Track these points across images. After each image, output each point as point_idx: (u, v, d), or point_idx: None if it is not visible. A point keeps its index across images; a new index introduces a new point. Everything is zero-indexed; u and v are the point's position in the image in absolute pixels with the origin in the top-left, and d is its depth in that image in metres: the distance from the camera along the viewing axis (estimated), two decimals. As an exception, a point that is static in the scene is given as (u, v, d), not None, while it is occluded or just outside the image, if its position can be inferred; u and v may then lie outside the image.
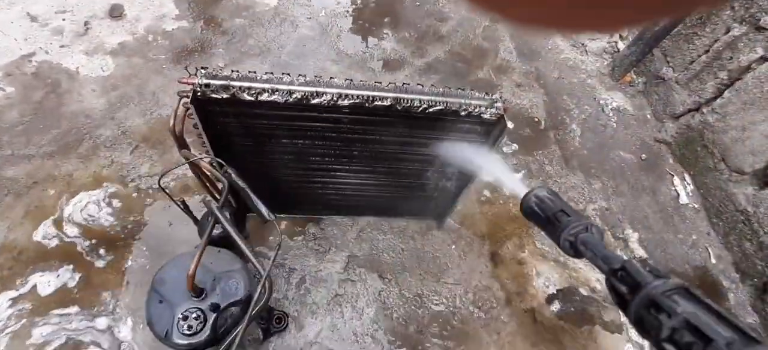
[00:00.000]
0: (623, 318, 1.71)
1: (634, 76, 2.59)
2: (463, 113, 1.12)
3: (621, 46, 2.63)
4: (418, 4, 2.66)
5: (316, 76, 1.10)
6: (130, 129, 1.84)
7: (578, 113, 2.38)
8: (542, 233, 1.83)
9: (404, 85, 1.13)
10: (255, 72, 1.09)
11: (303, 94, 1.06)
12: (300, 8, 2.46)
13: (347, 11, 2.52)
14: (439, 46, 2.49)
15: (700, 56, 2.18)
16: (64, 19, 2.11)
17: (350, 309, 1.57)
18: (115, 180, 1.68)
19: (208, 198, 0.96)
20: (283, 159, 1.33)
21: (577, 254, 0.79)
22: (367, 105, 1.09)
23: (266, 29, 2.32)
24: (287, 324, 1.51)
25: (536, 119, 2.28)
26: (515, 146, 2.13)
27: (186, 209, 1.18)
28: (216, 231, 1.09)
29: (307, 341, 1.48)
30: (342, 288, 1.61)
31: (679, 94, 2.30)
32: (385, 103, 1.09)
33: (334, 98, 1.07)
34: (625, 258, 0.69)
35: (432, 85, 1.14)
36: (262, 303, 0.88)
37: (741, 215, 1.93)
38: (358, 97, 1.08)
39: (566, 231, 0.80)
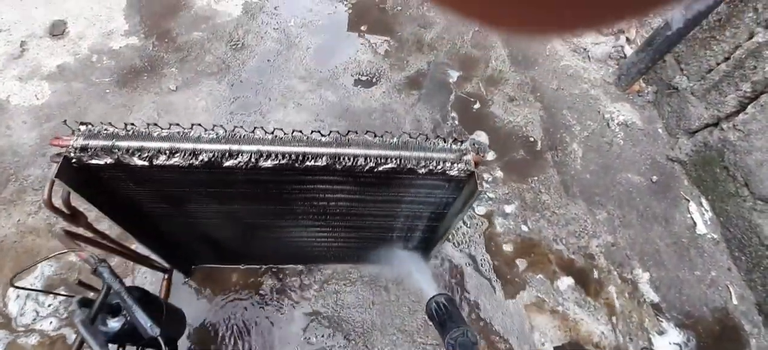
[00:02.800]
0: (631, 383, 1.46)
1: (644, 85, 2.31)
2: (422, 171, 0.88)
3: (628, 51, 2.35)
4: (399, 8, 2.39)
5: (234, 127, 0.86)
6: (63, 167, 1.61)
7: (580, 130, 2.11)
8: (537, 278, 1.58)
9: (347, 136, 0.88)
10: (156, 124, 0.85)
11: (212, 154, 0.82)
12: (266, 17, 2.21)
13: (319, 20, 2.26)
14: (421, 57, 2.22)
15: (718, 64, 1.90)
16: (-3, 40, 1.89)
17: (310, 379, 1.34)
18: (42, 233, 1.46)
19: (73, 306, 0.73)
20: (213, 220, 1.09)
21: None
22: (297, 165, 0.84)
23: (227, 44, 2.08)
24: (233, 403, 1.29)
25: (532, 139, 2.02)
26: (500, 173, 1.86)
27: (86, 287, 0.96)
28: (117, 326, 0.86)
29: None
30: (301, 352, 1.38)
31: (696, 107, 2.02)
32: (319, 163, 0.84)
33: (253, 159, 0.83)
34: None
35: (389, 133, 0.89)
36: None
37: (767, 250, 1.66)
38: (283, 155, 0.83)
39: (449, 335, 1.00)
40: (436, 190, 0.97)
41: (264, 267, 1.50)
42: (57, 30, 1.96)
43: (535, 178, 1.88)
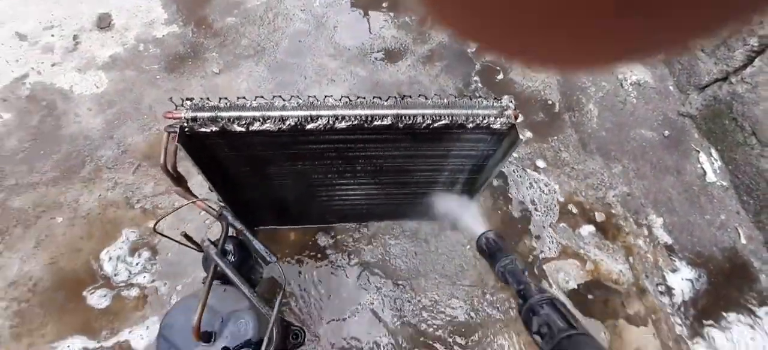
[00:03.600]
0: (646, 310, 1.65)
1: (655, 44, 2.41)
2: (470, 125, 1.04)
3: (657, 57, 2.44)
4: (418, -17, 2.49)
5: (310, 97, 1.02)
6: (130, 147, 1.80)
7: (595, 91, 2.24)
8: (560, 226, 1.75)
9: (405, 99, 1.04)
10: (245, 97, 1.02)
11: (297, 119, 0.99)
12: (292, 0, 2.33)
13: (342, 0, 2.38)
14: (442, 30, 2.34)
15: (729, 20, 1.99)
16: (52, 35, 2.05)
17: (367, 318, 1.55)
18: (121, 205, 1.66)
19: (207, 242, 0.91)
20: (284, 180, 1.27)
21: (505, 280, 1.17)
22: (365, 125, 1.01)
23: (259, 27, 2.22)
24: (304, 340, 1.50)
25: (550, 102, 2.16)
26: (529, 134, 2.02)
27: (189, 240, 1.15)
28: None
29: (324, 355, 1.47)
30: (357, 297, 1.59)
31: (705, 63, 2.13)
32: (385, 122, 1.01)
33: (331, 121, 1.00)
34: (528, 282, 1.07)
35: (435, 95, 1.05)
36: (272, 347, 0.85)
37: (774, 192, 1.81)
38: (355, 117, 1.00)
39: (499, 264, 1.18)
40: (479, 144, 1.13)
41: (318, 227, 1.69)
42: (104, 23, 2.11)
43: (555, 138, 2.03)
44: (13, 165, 1.71)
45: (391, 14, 2.36)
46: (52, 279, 1.52)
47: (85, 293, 1.46)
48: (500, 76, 2.20)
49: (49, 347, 1.39)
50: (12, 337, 1.40)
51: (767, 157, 1.86)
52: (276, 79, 2.05)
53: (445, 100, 1.04)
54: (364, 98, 1.02)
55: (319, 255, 1.64)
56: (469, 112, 1.03)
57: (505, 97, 1.07)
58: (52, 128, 1.81)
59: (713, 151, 2.10)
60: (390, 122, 1.01)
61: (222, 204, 0.99)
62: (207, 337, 0.91)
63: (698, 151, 2.11)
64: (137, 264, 1.52)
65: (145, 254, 1.54)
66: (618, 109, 2.20)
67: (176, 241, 0.93)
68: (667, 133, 2.16)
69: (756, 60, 1.89)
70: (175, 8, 2.22)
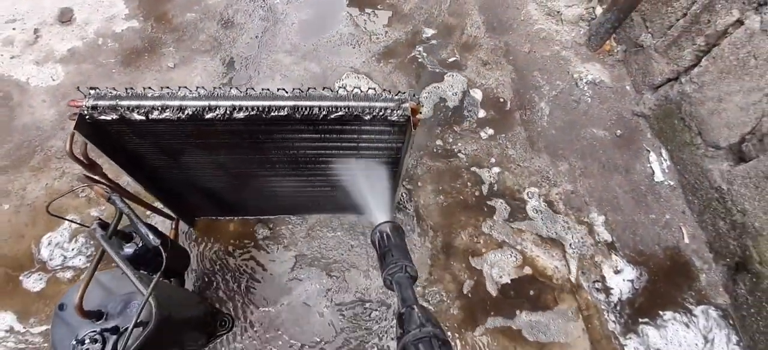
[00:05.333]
0: (579, 306, 1.67)
1: (615, 45, 2.42)
2: (367, 117, 1.06)
3: (599, 11, 2.44)
4: (380, -19, 2.52)
5: (214, 88, 1.06)
6: (80, 138, 1.84)
7: (549, 90, 2.25)
8: (498, 222, 1.77)
9: (308, 91, 1.07)
10: (151, 87, 1.05)
11: (195, 109, 1.02)
12: (254, -3, 2.37)
13: (303, -4, 2.41)
14: (400, 27, 2.37)
15: (678, 20, 2.00)
16: (14, 29, 2.11)
17: (299, 307, 1.58)
18: (67, 195, 1.70)
19: (95, 224, 0.95)
20: (205, 170, 1.31)
21: (392, 288, 0.97)
22: (264, 115, 1.04)
23: (218, 23, 2.26)
24: (232, 326, 1.53)
25: (502, 99, 2.17)
26: (482, 135, 2.03)
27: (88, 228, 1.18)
28: (129, 251, 1.09)
29: (253, 342, 1.50)
30: (290, 287, 1.62)
31: (658, 63, 2.13)
32: (282, 113, 1.04)
33: (228, 111, 1.03)
34: (411, 304, 0.85)
35: (344, 88, 1.07)
36: (150, 327, 0.88)
37: (715, 192, 1.82)
38: (252, 108, 1.03)
39: (386, 270, 0.98)
40: (383, 135, 1.16)
41: (257, 219, 1.72)
42: (65, 17, 2.16)
43: (503, 135, 2.05)
44: (-35, 153, 1.77)
45: (351, 11, 2.39)
46: (-5, 263, 1.57)
47: (21, 277, 1.51)
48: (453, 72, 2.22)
49: (-17, 328, 1.44)
50: (-52, 318, 1.45)
51: (711, 157, 1.86)
52: (229, 74, 2.09)
53: (345, 93, 1.07)
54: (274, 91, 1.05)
55: (255, 246, 1.67)
56: (367, 104, 1.06)
57: (409, 91, 1.09)
58: (6, 119, 1.86)
59: (663, 151, 2.11)
60: (287, 113, 1.04)
61: (114, 190, 1.03)
62: (96, 316, 0.95)
63: (649, 151, 2.12)
64: (73, 249, 1.57)
65: (82, 240, 1.58)
66: (571, 108, 2.21)
67: (70, 221, 0.97)
68: (619, 132, 2.16)
69: (703, 60, 1.90)
70: (137, 3, 2.27)
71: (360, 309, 1.59)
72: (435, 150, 1.97)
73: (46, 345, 1.42)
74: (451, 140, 2.00)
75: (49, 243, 1.58)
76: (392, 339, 1.54)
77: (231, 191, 1.48)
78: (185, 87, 1.07)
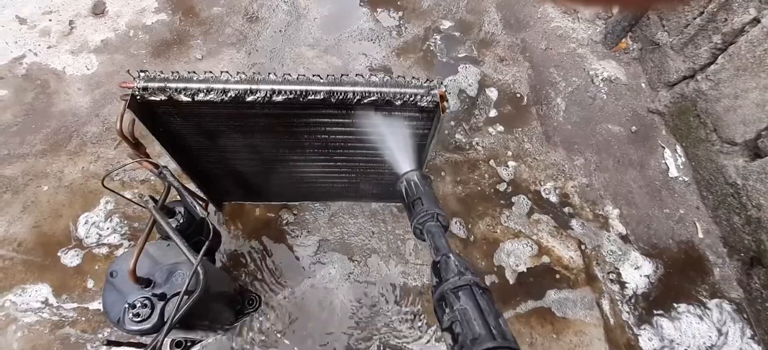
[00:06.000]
0: (593, 296, 1.71)
1: (630, 42, 2.45)
2: (398, 102, 1.12)
3: (615, 9, 2.48)
4: (399, -21, 2.58)
5: (254, 73, 1.13)
6: (113, 125, 1.92)
7: (565, 86, 2.29)
8: (516, 213, 1.82)
9: (341, 77, 1.13)
10: (194, 72, 1.12)
11: (237, 92, 1.09)
12: (277, -8, 2.45)
13: (325, -8, 2.48)
14: (418, 23, 2.42)
15: (695, 19, 2.03)
16: (50, 20, 2.20)
17: (321, 290, 1.64)
18: (101, 177, 1.79)
19: (147, 198, 1.02)
20: (239, 153, 1.38)
21: (422, 239, 0.92)
22: (301, 100, 1.10)
23: (243, 17, 2.33)
24: (259, 305, 1.60)
25: (518, 95, 2.22)
26: (500, 128, 2.08)
27: (139, 202, 1.26)
28: (176, 226, 1.16)
29: (280, 321, 1.57)
30: (313, 270, 1.68)
31: (674, 61, 2.16)
32: (318, 97, 1.10)
33: (268, 94, 1.09)
34: (447, 252, 0.80)
35: (375, 74, 1.13)
36: (196, 295, 0.95)
37: (730, 188, 1.84)
38: (291, 92, 1.09)
39: (416, 219, 0.93)
40: (411, 121, 1.21)
41: (281, 204, 1.79)
42: (98, 9, 2.26)
43: (519, 129, 2.09)
44: (7, 137, 1.86)
45: (371, 7, 2.45)
46: (34, 240, 1.65)
47: (59, 253, 1.59)
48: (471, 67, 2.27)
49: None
50: (-5, 289, 1.54)
51: (726, 154, 1.89)
52: (254, 66, 2.16)
53: (377, 79, 1.13)
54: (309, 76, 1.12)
55: (280, 230, 1.74)
56: (398, 90, 1.12)
57: (437, 78, 1.15)
58: (44, 105, 1.96)
59: (678, 148, 2.14)
60: (323, 97, 1.10)
61: (164, 165, 1.10)
62: (145, 283, 1.02)
63: (664, 148, 2.15)
64: (108, 228, 1.65)
65: (116, 219, 1.66)
66: (587, 104, 2.25)
67: (122, 195, 1.04)
68: (634, 128, 2.20)
69: (719, 57, 1.93)
70: (165, -2, 2.36)
71: (381, 293, 1.65)
72: (453, 142, 2.02)
73: (76, 318, 1.50)
74: (468, 133, 2.05)
75: (85, 222, 1.67)
76: (404, 320, 1.60)
77: (260, 176, 1.55)
78: (226, 71, 1.13)
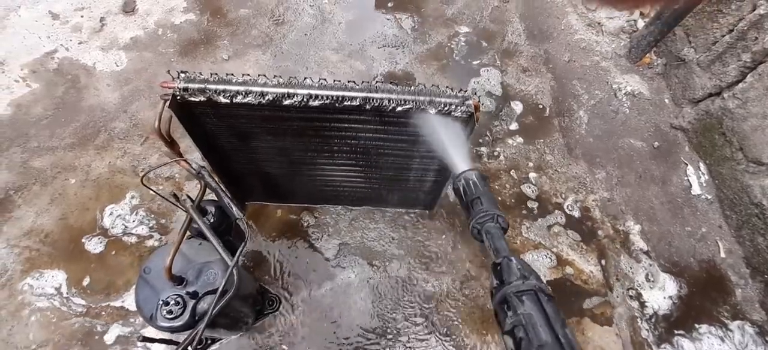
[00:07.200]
0: (613, 312, 1.69)
1: (654, 57, 2.43)
2: (432, 111, 1.13)
3: (640, 24, 2.46)
4: (422, -14, 2.60)
5: (290, 77, 1.14)
6: (141, 121, 1.96)
7: (587, 99, 2.28)
8: (536, 224, 1.81)
9: (375, 83, 1.15)
10: (232, 74, 1.14)
11: (275, 95, 1.10)
12: (303, -4, 2.47)
13: (349, -3, 2.50)
14: (443, 31, 2.43)
15: (723, 36, 2.01)
16: (82, 16, 2.25)
17: (341, 294, 1.65)
18: (128, 173, 1.82)
19: (185, 197, 1.04)
20: (268, 155, 1.39)
21: (480, 240, 0.91)
22: (337, 105, 1.12)
23: (269, 19, 2.36)
24: (279, 306, 1.61)
25: (541, 106, 2.22)
26: (520, 139, 2.07)
27: (175, 198, 1.28)
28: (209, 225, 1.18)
29: (299, 322, 1.58)
30: (333, 273, 1.69)
31: (700, 77, 2.14)
32: (354, 103, 1.11)
33: (305, 99, 1.11)
34: (508, 255, 0.79)
35: (407, 84, 1.14)
36: (229, 293, 0.96)
37: (755, 208, 1.82)
38: (327, 97, 1.11)
39: (475, 219, 0.91)
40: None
41: (303, 206, 1.80)
42: (128, 7, 2.30)
43: (541, 141, 2.09)
44: (37, 129, 1.90)
45: (395, 13, 2.47)
46: (60, 232, 1.68)
47: (83, 239, 1.62)
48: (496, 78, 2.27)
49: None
50: (20, 276, 1.57)
51: (752, 173, 1.87)
52: (279, 68, 2.19)
53: (412, 87, 1.14)
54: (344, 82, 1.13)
55: (301, 233, 1.75)
56: (433, 98, 1.13)
57: (471, 87, 1.16)
58: (74, 99, 2.00)
59: (702, 165, 2.11)
60: (358, 103, 1.11)
61: (202, 164, 1.12)
62: (179, 281, 1.03)
63: (687, 164, 2.13)
64: (134, 220, 1.68)
65: (142, 213, 1.69)
66: (609, 118, 2.24)
67: (159, 195, 1.06)
68: (657, 144, 2.18)
69: (748, 76, 1.91)
70: (193, -2, 2.40)
71: (400, 298, 1.65)
72: (475, 151, 2.02)
73: (82, 319, 1.51)
74: (490, 142, 2.05)
75: (110, 214, 1.70)
76: (425, 327, 1.60)
77: (286, 177, 1.56)
78: (263, 75, 1.15)
